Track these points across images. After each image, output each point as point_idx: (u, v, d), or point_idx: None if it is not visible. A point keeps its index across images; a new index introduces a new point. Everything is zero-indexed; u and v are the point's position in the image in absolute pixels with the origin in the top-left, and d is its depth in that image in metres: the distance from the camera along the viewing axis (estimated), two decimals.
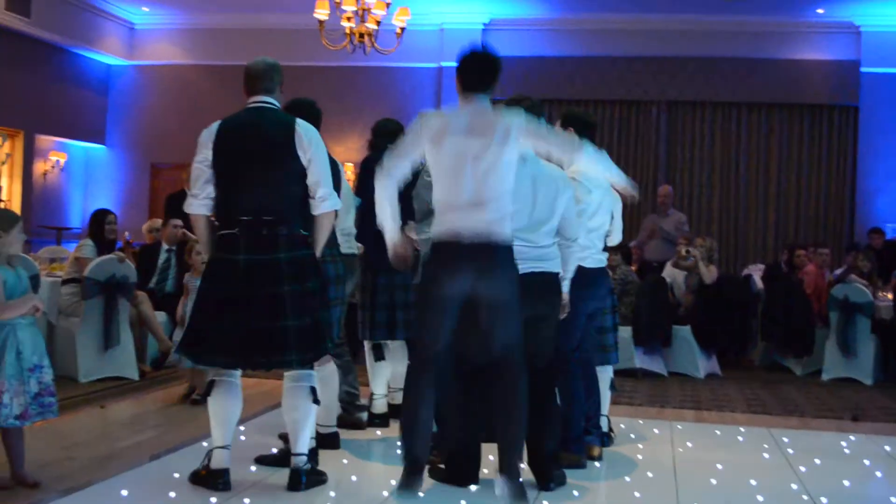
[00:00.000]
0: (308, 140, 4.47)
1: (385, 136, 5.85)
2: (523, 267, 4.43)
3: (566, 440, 5.20)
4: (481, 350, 4.31)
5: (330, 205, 4.58)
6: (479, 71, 4.35)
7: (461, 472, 4.74)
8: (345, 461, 5.20)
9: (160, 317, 7.92)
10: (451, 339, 4.29)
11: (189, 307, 5.78)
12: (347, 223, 5.68)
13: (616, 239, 5.72)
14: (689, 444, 5.99)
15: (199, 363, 4.56)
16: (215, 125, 4.56)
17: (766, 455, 5.77)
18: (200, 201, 4.53)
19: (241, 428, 5.79)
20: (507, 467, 4.25)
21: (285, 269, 4.41)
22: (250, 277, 4.39)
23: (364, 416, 6.09)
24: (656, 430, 6.34)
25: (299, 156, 4.44)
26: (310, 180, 4.49)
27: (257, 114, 4.55)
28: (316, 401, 4.60)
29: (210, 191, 4.52)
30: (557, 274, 4.71)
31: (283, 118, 4.56)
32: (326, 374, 5.20)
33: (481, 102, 4.33)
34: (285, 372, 4.64)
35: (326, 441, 5.34)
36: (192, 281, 6.54)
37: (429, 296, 4.30)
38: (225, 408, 4.55)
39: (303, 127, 4.51)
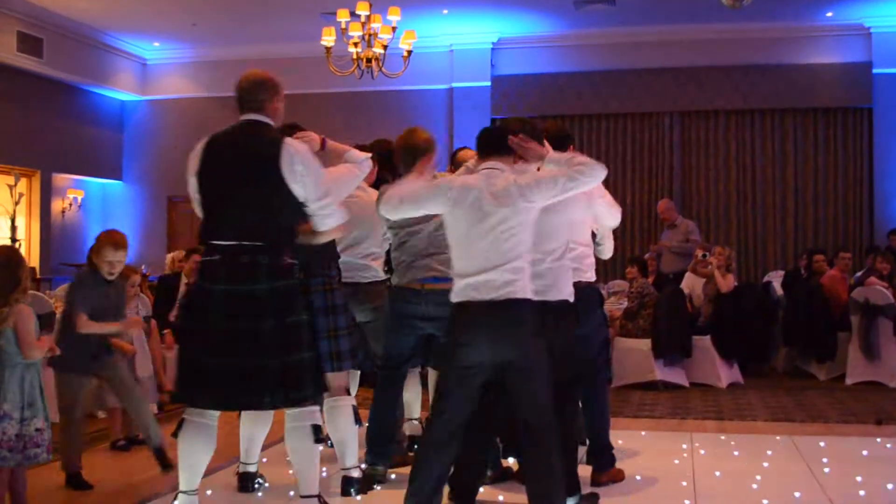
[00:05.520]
0: (296, 159, 4.08)
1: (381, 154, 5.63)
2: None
3: (600, 457, 5.14)
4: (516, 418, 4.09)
5: (331, 223, 4.28)
6: (485, 139, 4.23)
7: (464, 489, 4.50)
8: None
9: None
10: (467, 411, 4.04)
11: None
12: (372, 247, 5.45)
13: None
14: (708, 455, 5.91)
15: (190, 405, 4.17)
16: (200, 145, 4.22)
17: (787, 463, 5.68)
18: None
19: (264, 459, 5.67)
20: None
21: (266, 301, 4.04)
22: (228, 310, 4.02)
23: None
24: (676, 442, 6.27)
25: (285, 176, 4.05)
26: (304, 199, 4.14)
27: (242, 131, 4.19)
28: (319, 440, 4.29)
29: None
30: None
31: (270, 136, 4.16)
32: (337, 409, 4.86)
33: (493, 165, 4.12)
34: (286, 411, 4.28)
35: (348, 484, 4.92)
36: None
37: (449, 363, 4.05)
38: (192, 451, 4.15)
39: (290, 145, 4.12)
